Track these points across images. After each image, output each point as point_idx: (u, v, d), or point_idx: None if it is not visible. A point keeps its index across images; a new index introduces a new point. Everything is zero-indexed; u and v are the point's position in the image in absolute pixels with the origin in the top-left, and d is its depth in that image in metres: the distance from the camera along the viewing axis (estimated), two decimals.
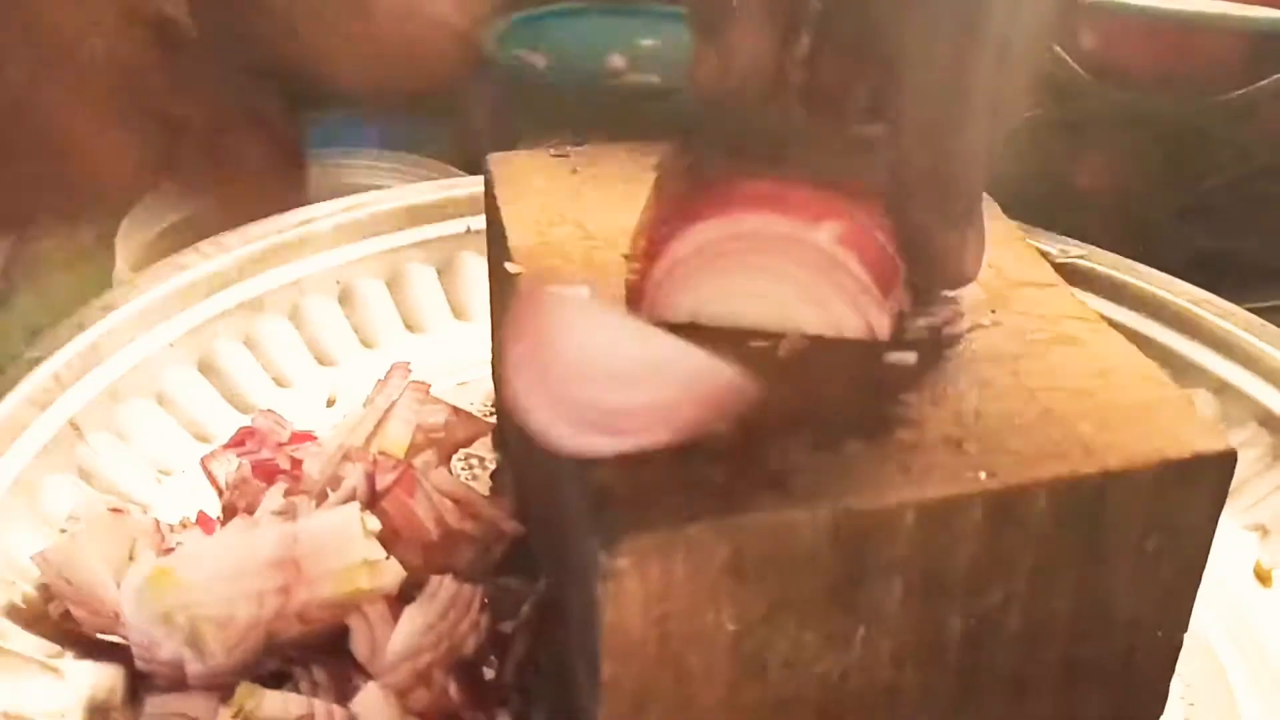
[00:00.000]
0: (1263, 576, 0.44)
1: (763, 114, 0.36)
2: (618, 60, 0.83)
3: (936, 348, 0.36)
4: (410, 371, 0.44)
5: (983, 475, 0.32)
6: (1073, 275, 0.51)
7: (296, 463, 0.42)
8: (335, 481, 0.40)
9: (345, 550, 0.36)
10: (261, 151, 0.30)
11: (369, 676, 0.36)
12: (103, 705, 0.37)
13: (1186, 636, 0.36)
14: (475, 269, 0.56)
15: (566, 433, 0.30)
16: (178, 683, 0.36)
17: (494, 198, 0.43)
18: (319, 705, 0.35)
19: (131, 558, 0.40)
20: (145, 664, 0.37)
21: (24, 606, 0.39)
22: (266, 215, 0.32)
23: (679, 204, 0.35)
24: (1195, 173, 0.57)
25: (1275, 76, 0.56)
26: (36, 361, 0.46)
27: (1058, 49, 0.57)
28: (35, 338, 0.48)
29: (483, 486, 0.46)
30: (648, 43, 0.85)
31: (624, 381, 0.30)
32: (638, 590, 0.30)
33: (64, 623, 0.39)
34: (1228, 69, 0.57)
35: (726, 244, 0.34)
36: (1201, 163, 0.57)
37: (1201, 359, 0.51)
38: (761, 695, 0.33)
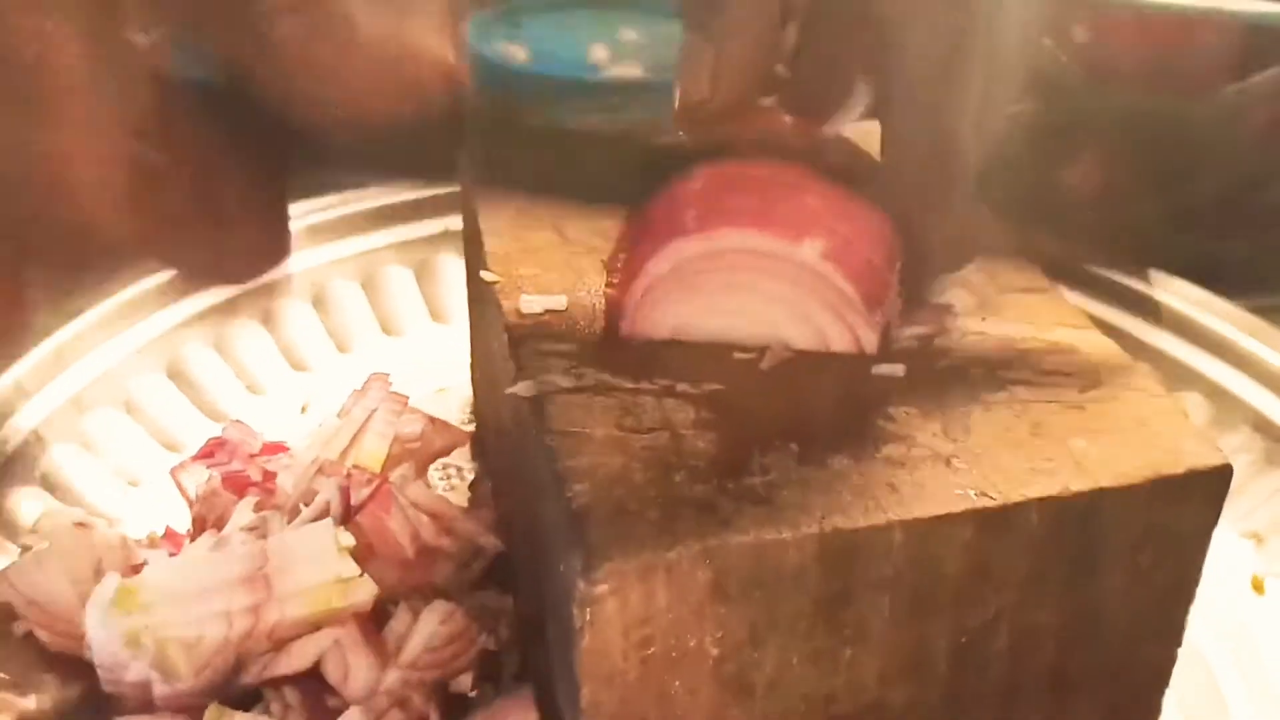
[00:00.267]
0: (1257, 585, 0.43)
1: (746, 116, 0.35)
2: (600, 53, 0.82)
3: (925, 359, 0.35)
4: (390, 384, 0.43)
5: (973, 493, 0.31)
6: (1064, 277, 0.50)
7: (269, 475, 0.41)
8: (309, 495, 0.39)
9: (318, 567, 0.35)
10: (243, 203, 0.29)
11: (341, 698, 0.35)
12: None
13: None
14: (453, 270, 0.55)
15: None
16: (145, 705, 0.35)
17: (470, 200, 0.42)
18: None
19: (98, 573, 0.39)
20: (112, 686, 0.35)
21: None
22: (246, 270, 0.32)
23: (659, 219, 0.34)
24: (1187, 173, 0.56)
25: (1267, 73, 0.56)
26: None
27: (1049, 43, 0.57)
28: None
29: (461, 497, 0.45)
30: (630, 35, 0.83)
31: None
32: (618, 614, 0.29)
33: (28, 642, 0.38)
34: (1220, 64, 0.56)
35: (707, 260, 0.33)
36: (1194, 163, 0.56)
37: (1194, 361, 0.50)
38: (747, 718, 0.32)
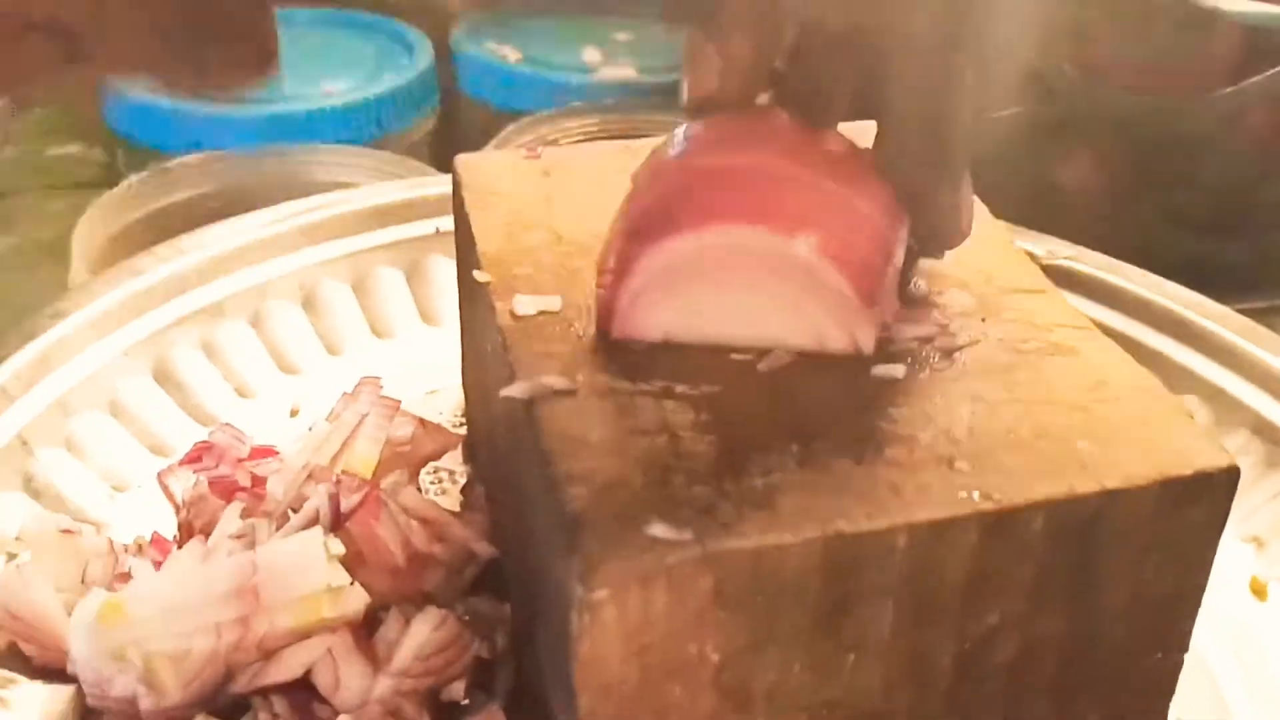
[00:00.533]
0: (1258, 590, 0.43)
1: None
2: (593, 53, 0.81)
3: (925, 360, 0.35)
4: (381, 387, 0.42)
5: (976, 496, 0.30)
6: (1062, 278, 0.49)
7: (258, 479, 0.40)
8: (299, 501, 0.38)
9: (307, 577, 0.34)
10: (227, 11, 0.28)
11: (331, 706, 0.34)
12: None
13: None
14: (444, 272, 0.54)
15: None
16: (131, 719, 0.34)
17: (463, 201, 0.42)
18: None
19: (84, 581, 0.38)
20: (97, 701, 0.35)
21: None
22: (232, 80, 0.30)
23: (650, 215, 0.33)
24: (1185, 175, 0.56)
25: (1264, 74, 0.56)
26: None
27: (1046, 43, 0.56)
28: None
29: (452, 501, 0.44)
30: (623, 36, 0.83)
31: None
32: (615, 622, 0.29)
33: (11, 653, 0.37)
34: (1218, 66, 0.56)
35: (699, 258, 0.33)
36: (1191, 165, 0.56)
37: (1193, 364, 0.49)
38: None
